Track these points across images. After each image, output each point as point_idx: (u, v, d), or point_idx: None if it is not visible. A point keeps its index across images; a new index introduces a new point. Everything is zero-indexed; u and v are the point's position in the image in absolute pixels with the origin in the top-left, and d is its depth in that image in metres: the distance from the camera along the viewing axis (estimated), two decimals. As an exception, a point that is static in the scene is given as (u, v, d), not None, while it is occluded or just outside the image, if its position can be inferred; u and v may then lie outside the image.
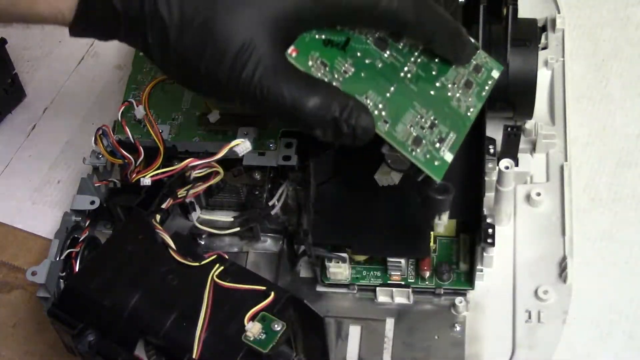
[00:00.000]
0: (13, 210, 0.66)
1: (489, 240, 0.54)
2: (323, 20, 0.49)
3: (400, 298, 0.57)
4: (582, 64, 0.68)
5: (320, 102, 0.47)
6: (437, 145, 0.50)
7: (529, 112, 0.61)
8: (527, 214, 0.60)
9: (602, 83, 0.67)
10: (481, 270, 0.57)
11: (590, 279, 0.58)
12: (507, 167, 0.55)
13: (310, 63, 0.48)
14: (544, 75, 0.65)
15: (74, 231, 0.57)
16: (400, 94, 0.50)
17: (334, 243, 0.56)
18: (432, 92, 0.51)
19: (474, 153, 0.56)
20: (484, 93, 0.53)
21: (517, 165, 0.58)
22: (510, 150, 0.58)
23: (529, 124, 0.62)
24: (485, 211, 0.55)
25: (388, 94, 0.50)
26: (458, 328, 0.56)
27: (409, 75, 0.51)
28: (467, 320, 0.56)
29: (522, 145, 0.60)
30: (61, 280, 0.55)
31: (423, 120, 0.50)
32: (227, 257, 0.51)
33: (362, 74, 0.49)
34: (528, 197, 0.60)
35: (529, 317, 0.56)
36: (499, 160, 0.56)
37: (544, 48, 0.66)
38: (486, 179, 0.56)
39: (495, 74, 0.54)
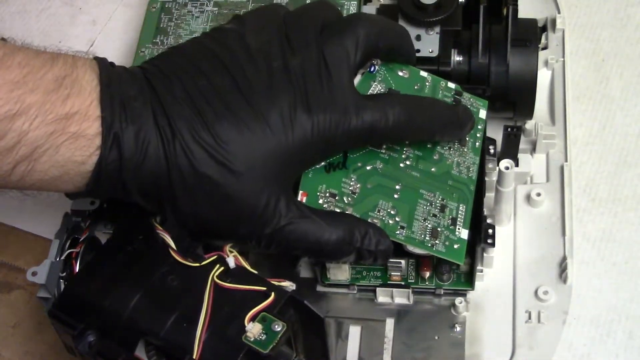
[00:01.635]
0: (13, 210, 0.66)
1: (489, 241, 0.54)
2: (324, 155, 0.51)
3: (400, 298, 0.57)
4: (582, 64, 0.68)
5: (342, 237, 0.49)
6: (452, 227, 0.52)
7: (529, 112, 0.61)
8: (527, 214, 0.60)
9: (602, 83, 0.67)
10: (481, 271, 0.57)
11: (590, 279, 0.58)
12: (507, 168, 0.55)
13: (321, 201, 0.51)
14: (544, 76, 0.65)
15: (74, 231, 0.57)
16: (407, 189, 0.52)
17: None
18: (433, 170, 0.53)
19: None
20: (477, 144, 0.55)
21: (517, 165, 0.58)
22: (511, 150, 0.58)
23: (529, 124, 0.62)
24: (485, 211, 0.55)
25: (396, 195, 0.52)
26: (458, 328, 0.56)
27: (408, 162, 0.53)
28: (467, 321, 0.56)
29: (522, 146, 0.60)
30: (61, 280, 0.55)
31: (433, 206, 0.52)
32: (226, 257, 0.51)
33: (369, 186, 0.52)
34: (528, 198, 0.60)
35: (529, 317, 0.56)
36: (499, 160, 0.56)
37: (544, 48, 0.66)
38: (486, 179, 0.56)
39: (483, 113, 0.56)
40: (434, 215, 0.52)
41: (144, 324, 0.48)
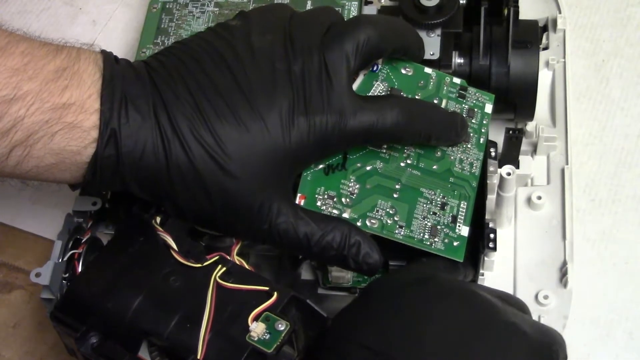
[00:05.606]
0: (13, 210, 0.66)
1: (491, 245, 0.54)
2: (321, 155, 0.51)
3: (402, 300, 0.57)
4: (582, 64, 0.68)
5: (332, 242, 0.50)
6: (452, 225, 0.52)
7: (530, 114, 0.61)
8: (527, 217, 0.60)
9: (602, 83, 0.67)
10: (482, 275, 0.57)
11: (590, 279, 0.58)
12: (508, 174, 0.55)
13: (319, 204, 0.51)
14: (545, 76, 0.65)
15: (76, 232, 0.57)
16: (407, 188, 0.52)
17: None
18: (435, 167, 0.53)
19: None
20: (482, 140, 0.55)
21: (518, 167, 0.58)
22: (512, 153, 0.58)
23: (530, 126, 0.62)
24: (487, 215, 0.55)
25: (396, 195, 0.52)
26: (459, 330, 0.56)
27: (409, 161, 0.53)
28: (468, 323, 0.56)
29: (523, 147, 0.59)
30: (64, 281, 0.55)
31: (433, 204, 0.52)
32: (229, 257, 0.51)
33: (368, 186, 0.52)
34: (529, 200, 0.60)
35: (530, 320, 0.56)
36: (500, 162, 0.56)
37: (545, 48, 0.66)
38: (487, 181, 0.56)
39: (489, 108, 0.56)
40: (434, 214, 0.52)
41: (146, 325, 0.48)
